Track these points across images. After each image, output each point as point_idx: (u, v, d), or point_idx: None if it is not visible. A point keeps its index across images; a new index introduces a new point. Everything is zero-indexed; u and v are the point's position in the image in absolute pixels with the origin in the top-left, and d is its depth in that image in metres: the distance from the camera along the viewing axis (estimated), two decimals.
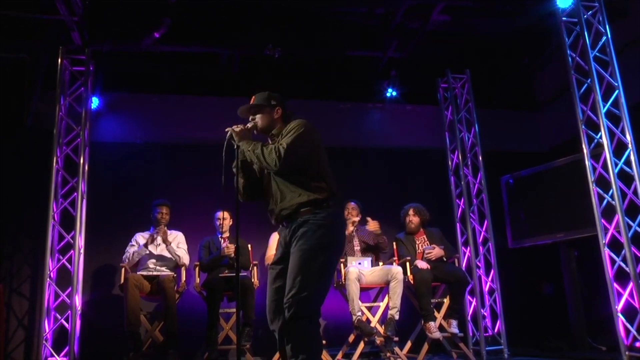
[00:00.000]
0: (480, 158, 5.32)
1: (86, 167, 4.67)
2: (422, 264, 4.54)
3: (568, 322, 5.04)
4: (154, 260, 4.66)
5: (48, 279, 4.33)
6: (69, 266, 4.45)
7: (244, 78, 5.56)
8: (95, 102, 5.30)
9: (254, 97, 2.55)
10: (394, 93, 5.87)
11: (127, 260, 4.61)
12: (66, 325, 4.35)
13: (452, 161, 5.51)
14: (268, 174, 2.48)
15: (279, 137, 2.45)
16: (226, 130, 2.49)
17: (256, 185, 2.54)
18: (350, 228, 4.77)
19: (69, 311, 4.32)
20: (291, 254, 2.27)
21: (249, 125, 2.51)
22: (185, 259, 4.71)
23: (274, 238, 4.67)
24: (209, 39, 5.11)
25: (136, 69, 5.42)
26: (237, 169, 2.47)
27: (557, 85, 5.86)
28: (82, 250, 4.50)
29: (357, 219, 4.76)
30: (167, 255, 4.69)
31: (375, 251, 4.87)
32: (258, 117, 2.51)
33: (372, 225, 4.64)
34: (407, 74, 5.70)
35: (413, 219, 4.90)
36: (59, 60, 4.61)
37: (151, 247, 4.69)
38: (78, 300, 4.42)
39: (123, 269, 4.55)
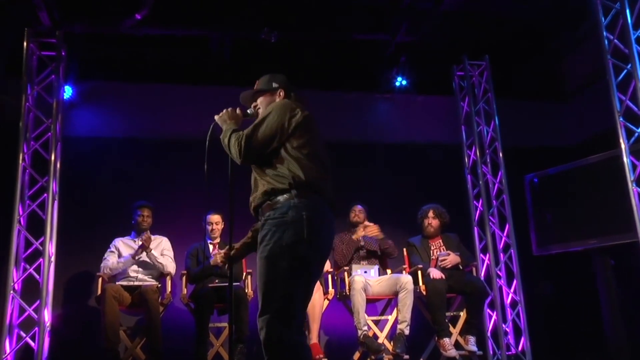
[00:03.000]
0: (501, 154, 5.24)
1: (58, 165, 4.53)
2: (435, 273, 4.46)
3: (604, 341, 4.87)
4: (135, 269, 4.53)
5: (11, 292, 4.15)
6: (37, 276, 4.28)
7: (236, 65, 5.43)
8: (68, 91, 5.17)
9: (257, 82, 2.48)
10: (404, 82, 5.80)
11: (106, 270, 4.48)
12: (32, 344, 4.15)
13: (469, 158, 5.40)
14: None
15: None
16: (215, 117, 2.45)
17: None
18: (361, 232, 4.71)
19: (36, 328, 4.13)
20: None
21: (239, 110, 2.43)
22: (171, 267, 4.61)
23: None
24: (197, 21, 5.02)
25: (115, 55, 5.29)
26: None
27: (588, 72, 5.72)
28: (52, 259, 4.35)
29: (367, 223, 4.69)
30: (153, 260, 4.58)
31: (383, 258, 4.80)
32: (259, 101, 2.43)
33: (370, 229, 4.57)
34: (418, 60, 5.63)
35: (433, 222, 4.81)
36: (25, 43, 4.44)
37: (132, 253, 4.55)
38: (47, 315, 4.23)
39: (100, 279, 4.43)
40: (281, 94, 2.41)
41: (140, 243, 4.51)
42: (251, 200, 2.25)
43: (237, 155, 2.21)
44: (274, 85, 2.42)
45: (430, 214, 4.79)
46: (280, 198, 2.11)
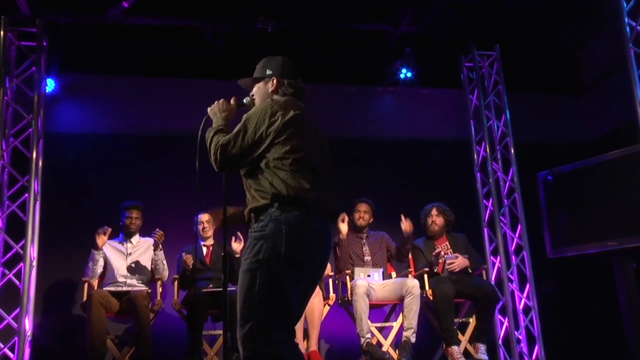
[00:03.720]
0: (512, 151, 5.17)
1: (40, 163, 4.45)
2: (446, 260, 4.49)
3: (625, 349, 4.77)
4: (124, 273, 4.46)
5: None
6: (17, 282, 4.20)
7: (231, 56, 5.30)
8: (50, 84, 5.10)
9: (257, 66, 2.44)
10: (409, 74, 5.74)
11: (90, 274, 4.41)
12: (10, 355, 4.08)
13: (479, 154, 5.33)
14: None
15: None
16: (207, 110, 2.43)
17: None
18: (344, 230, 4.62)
19: (16, 337, 4.05)
20: None
21: (233, 100, 2.38)
22: (166, 272, 4.58)
23: None
24: (189, 10, 4.93)
25: (100, 46, 5.20)
26: None
27: (607, 63, 5.62)
28: (34, 263, 4.27)
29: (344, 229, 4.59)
30: (143, 264, 4.53)
31: (390, 260, 4.82)
32: (254, 90, 2.39)
33: (407, 224, 4.58)
34: (424, 51, 5.54)
35: (436, 220, 4.77)
36: (2, 32, 4.37)
37: (120, 257, 4.51)
38: (28, 324, 4.16)
39: (86, 284, 4.36)
40: (274, 82, 2.32)
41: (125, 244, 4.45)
42: (245, 212, 2.26)
43: (213, 163, 2.20)
44: (268, 72, 2.34)
45: (434, 211, 4.75)
46: (264, 213, 2.11)
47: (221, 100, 2.34)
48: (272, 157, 2.13)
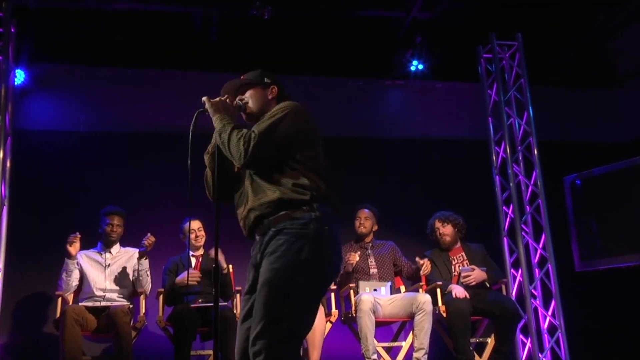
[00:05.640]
0: (536, 152, 5.13)
1: (7, 164, 4.44)
2: (458, 291, 4.34)
3: None
4: (102, 286, 4.39)
5: None
6: None
7: (223, 47, 5.38)
8: (20, 76, 5.06)
9: (243, 76, 2.53)
10: (420, 66, 5.74)
11: (64, 287, 4.33)
12: None
13: (498, 156, 5.30)
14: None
15: None
16: (202, 100, 2.39)
17: (233, 180, 2.46)
18: (354, 259, 4.59)
19: None
20: (260, 275, 2.16)
21: (235, 101, 2.44)
22: (149, 285, 4.50)
23: None
24: None
25: (77, 33, 5.20)
26: (211, 154, 2.40)
27: None
28: (0, 275, 4.25)
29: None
30: (124, 276, 4.47)
31: (398, 275, 4.80)
32: (248, 94, 2.48)
33: (426, 267, 4.51)
34: (437, 40, 5.54)
35: (445, 230, 4.71)
36: None
37: (97, 268, 4.43)
38: None
39: (59, 299, 4.29)
40: (274, 90, 2.46)
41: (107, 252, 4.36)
42: (248, 208, 2.26)
43: (239, 156, 2.22)
44: (266, 80, 2.47)
45: (437, 224, 4.71)
46: (300, 209, 2.19)
47: (226, 98, 2.38)
48: (306, 156, 2.27)
